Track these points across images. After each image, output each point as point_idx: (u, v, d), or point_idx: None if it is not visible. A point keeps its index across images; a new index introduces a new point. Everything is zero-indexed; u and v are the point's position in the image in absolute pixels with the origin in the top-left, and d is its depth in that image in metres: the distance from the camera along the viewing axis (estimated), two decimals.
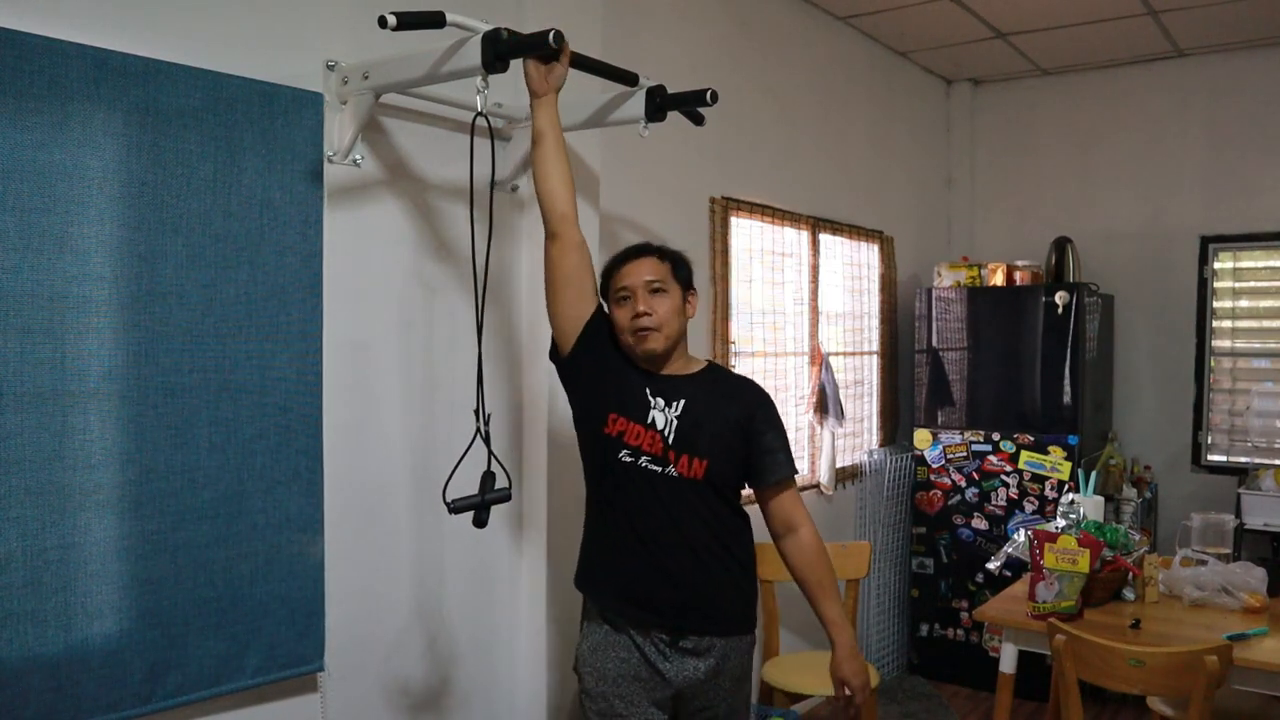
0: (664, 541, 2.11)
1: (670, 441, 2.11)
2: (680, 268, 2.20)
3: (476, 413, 2.07)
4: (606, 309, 2.19)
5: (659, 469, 2.11)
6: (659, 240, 2.26)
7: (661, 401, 2.14)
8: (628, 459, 2.12)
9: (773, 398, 2.29)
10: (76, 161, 1.82)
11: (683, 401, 2.14)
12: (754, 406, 2.20)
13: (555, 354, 2.21)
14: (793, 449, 2.27)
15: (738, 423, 2.16)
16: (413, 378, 2.49)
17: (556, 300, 2.15)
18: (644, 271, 2.15)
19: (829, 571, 2.21)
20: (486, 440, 2.06)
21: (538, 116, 2.11)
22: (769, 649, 3.58)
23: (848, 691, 2.20)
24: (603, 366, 2.16)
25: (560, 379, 2.24)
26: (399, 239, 2.47)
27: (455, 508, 2.03)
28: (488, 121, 2.05)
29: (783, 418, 2.28)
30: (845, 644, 2.20)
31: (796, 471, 2.24)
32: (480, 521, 2.06)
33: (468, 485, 2.07)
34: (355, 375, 2.36)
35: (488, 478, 2.06)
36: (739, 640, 2.22)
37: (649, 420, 2.12)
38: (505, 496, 2.09)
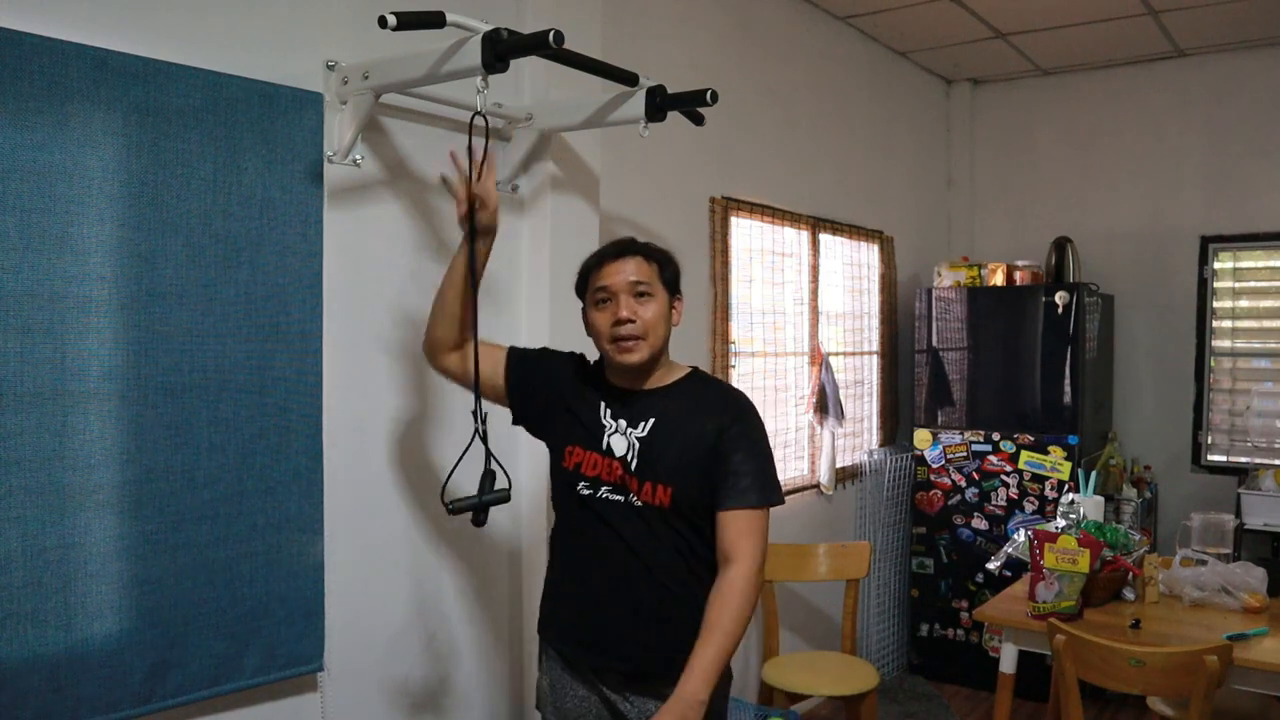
0: (629, 577, 1.93)
1: (633, 467, 1.93)
2: (667, 269, 1.99)
3: (474, 413, 2.04)
4: (584, 305, 2.02)
5: (621, 498, 1.94)
6: (652, 239, 2.13)
7: (624, 423, 1.96)
8: (586, 490, 1.97)
9: (759, 412, 2.03)
10: (76, 161, 1.82)
11: (651, 421, 1.95)
12: (729, 421, 1.93)
13: (513, 417, 2.15)
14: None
15: (710, 439, 1.91)
16: (413, 378, 2.49)
17: (477, 390, 2.05)
18: (629, 272, 1.94)
19: (731, 622, 1.83)
20: (484, 440, 2.02)
21: (460, 254, 2.06)
22: (769, 649, 3.58)
23: None
24: (550, 404, 2.05)
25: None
26: (399, 239, 2.47)
27: (454, 509, 2.00)
28: (485, 120, 2.04)
29: (771, 434, 2.05)
30: (682, 696, 1.78)
31: (766, 502, 1.91)
32: (479, 522, 2.04)
33: (467, 485, 2.07)
34: (355, 375, 2.36)
35: (487, 477, 2.03)
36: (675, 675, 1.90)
37: (604, 446, 1.96)
38: (504, 497, 2.03)
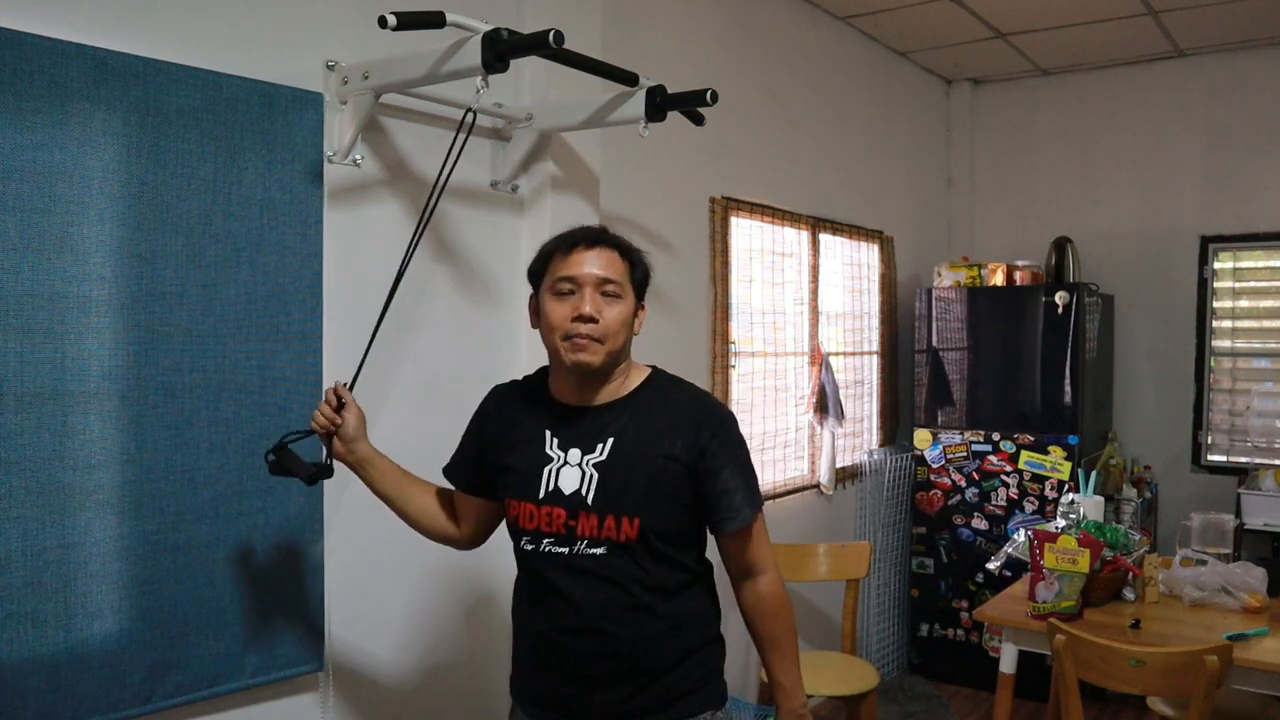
0: (585, 636, 1.71)
1: (589, 501, 1.69)
2: (639, 270, 1.78)
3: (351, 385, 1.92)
4: (538, 295, 1.78)
5: (566, 550, 1.71)
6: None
7: (576, 451, 1.72)
8: (529, 546, 1.75)
9: (733, 414, 1.85)
10: (76, 161, 1.82)
11: (610, 441, 1.71)
12: (706, 436, 1.72)
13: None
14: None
15: (684, 459, 1.71)
16: (412, 378, 2.49)
17: None
18: (601, 265, 1.71)
19: (788, 628, 1.81)
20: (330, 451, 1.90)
21: (370, 485, 1.92)
22: None
23: None
24: (487, 470, 1.85)
25: None
26: (399, 239, 2.46)
27: (276, 456, 1.87)
28: (474, 117, 2.02)
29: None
30: (790, 711, 1.81)
31: (759, 507, 1.79)
32: (275, 468, 1.87)
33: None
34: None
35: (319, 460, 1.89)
36: (706, 717, 1.78)
37: (544, 491, 1.72)
38: (308, 470, 1.87)
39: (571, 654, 1.73)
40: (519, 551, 1.80)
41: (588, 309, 1.68)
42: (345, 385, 1.91)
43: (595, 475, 1.70)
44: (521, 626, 1.85)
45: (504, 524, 1.87)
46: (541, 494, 1.73)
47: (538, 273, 1.78)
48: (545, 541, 1.73)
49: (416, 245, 2.00)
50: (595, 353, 1.69)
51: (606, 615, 1.71)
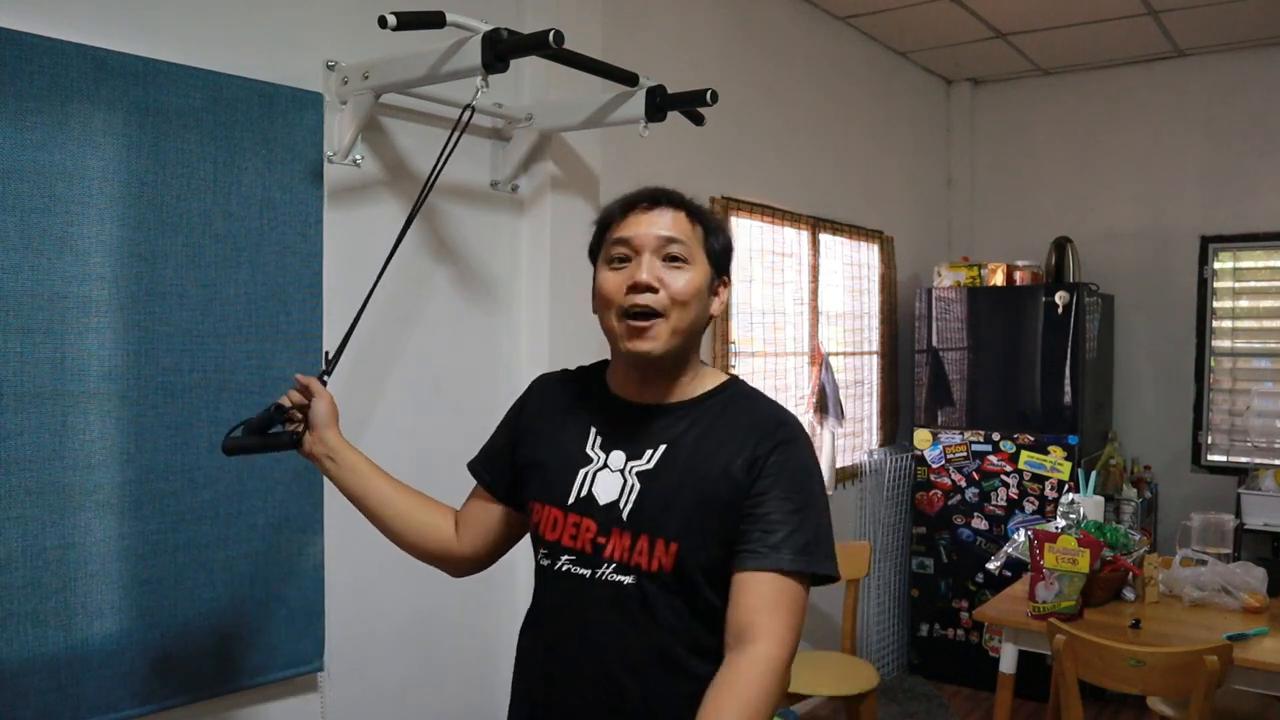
0: (590, 675, 1.40)
1: (624, 516, 1.38)
2: (716, 238, 1.46)
3: (326, 354, 1.73)
4: (595, 271, 1.48)
5: (587, 572, 1.40)
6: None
7: (620, 455, 1.43)
8: (545, 561, 1.46)
9: (811, 447, 1.46)
10: (76, 161, 1.82)
11: (661, 449, 1.41)
12: (767, 448, 1.38)
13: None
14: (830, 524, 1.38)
15: (740, 476, 1.37)
16: (412, 377, 2.49)
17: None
18: (661, 225, 1.41)
19: None
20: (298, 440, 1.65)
21: (337, 481, 1.61)
22: None
23: None
24: (524, 452, 1.54)
25: None
26: (394, 241, 2.46)
27: (240, 434, 1.64)
28: (471, 114, 2.02)
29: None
30: None
31: (808, 568, 1.34)
32: (231, 445, 1.64)
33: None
34: (355, 375, 2.36)
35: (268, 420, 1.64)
36: None
37: (572, 497, 1.43)
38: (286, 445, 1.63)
39: (581, 693, 1.42)
40: (535, 565, 1.50)
41: (644, 276, 1.37)
42: (319, 377, 1.68)
43: (637, 486, 1.40)
44: (521, 660, 1.54)
45: (515, 540, 1.65)
46: (571, 499, 1.43)
47: (595, 247, 1.49)
48: (564, 558, 1.42)
49: (403, 237, 1.97)
50: (656, 337, 1.38)
51: (624, 662, 1.38)
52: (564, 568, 1.43)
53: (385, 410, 2.44)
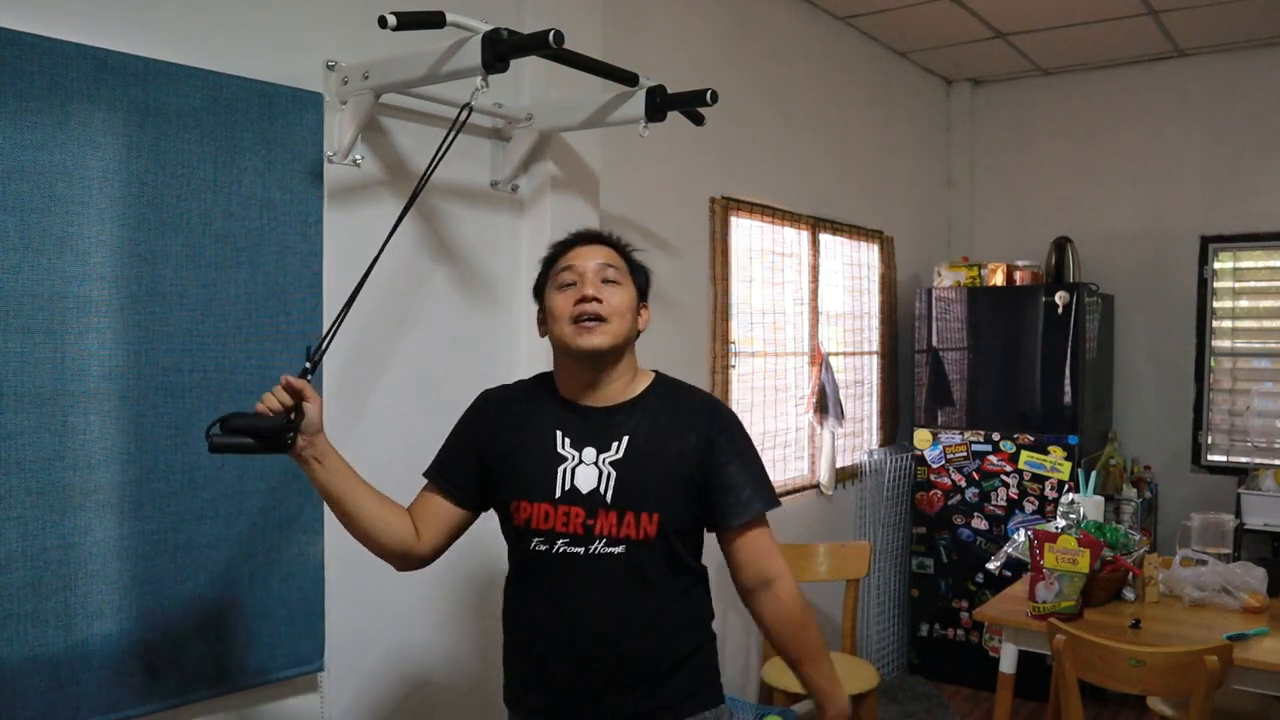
0: (595, 641, 1.69)
1: (608, 499, 1.68)
2: (639, 274, 1.82)
3: (307, 350, 1.71)
4: (542, 302, 1.80)
5: (581, 550, 1.68)
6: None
7: (591, 450, 1.71)
8: (542, 548, 1.70)
9: (739, 419, 1.85)
10: (76, 161, 1.82)
11: (625, 440, 1.71)
12: (714, 431, 1.75)
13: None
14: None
15: (694, 455, 1.72)
16: (412, 377, 2.49)
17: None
18: (597, 256, 1.76)
19: (816, 636, 1.82)
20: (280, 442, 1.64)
21: (320, 482, 1.68)
22: (769, 649, 3.58)
23: None
24: (483, 472, 1.78)
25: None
26: (399, 239, 2.46)
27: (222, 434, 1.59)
28: (469, 113, 2.01)
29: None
30: (838, 715, 1.83)
31: (772, 506, 1.78)
32: (217, 444, 1.58)
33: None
34: (355, 375, 2.36)
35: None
36: (709, 715, 1.79)
37: (558, 491, 1.69)
38: (282, 425, 1.60)
39: (583, 659, 1.69)
40: (525, 555, 1.73)
41: (590, 290, 1.71)
42: (302, 375, 1.65)
43: (613, 473, 1.69)
44: (523, 634, 1.77)
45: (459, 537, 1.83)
46: (558, 493, 1.69)
47: (541, 282, 1.82)
48: (560, 542, 1.69)
49: (395, 231, 1.94)
50: (603, 334, 1.70)
51: (622, 617, 1.69)
52: (560, 550, 1.69)
53: (384, 410, 2.44)
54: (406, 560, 1.79)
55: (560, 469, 1.71)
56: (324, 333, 1.78)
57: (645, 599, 1.70)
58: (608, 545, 1.68)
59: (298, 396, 1.61)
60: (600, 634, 1.69)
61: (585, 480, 1.70)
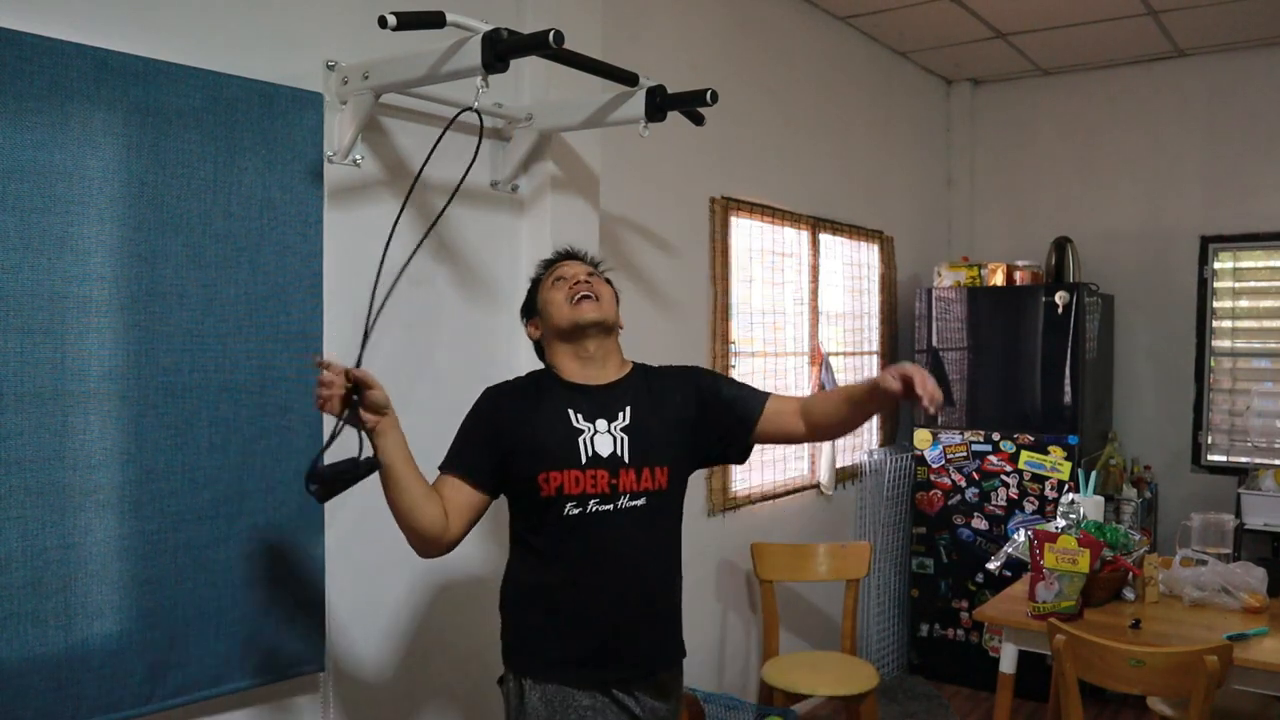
0: (628, 590, 1.91)
1: (625, 460, 1.90)
2: (609, 282, 2.06)
3: (367, 327, 1.86)
4: (534, 313, 2.05)
5: (611, 507, 1.89)
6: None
7: (602, 422, 1.92)
8: (575, 511, 1.88)
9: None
10: (76, 161, 1.82)
11: (628, 408, 1.95)
12: (696, 378, 2.06)
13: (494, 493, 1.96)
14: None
15: (688, 403, 2.01)
16: (413, 378, 2.49)
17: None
18: (582, 266, 2.05)
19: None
20: (356, 418, 1.78)
21: (385, 450, 1.79)
22: (769, 649, 3.58)
23: (901, 380, 1.77)
24: (504, 455, 1.91)
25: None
26: (399, 239, 2.46)
27: (317, 477, 1.76)
28: (480, 118, 2.03)
29: None
30: (883, 375, 1.82)
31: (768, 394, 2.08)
32: (320, 494, 1.78)
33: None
34: None
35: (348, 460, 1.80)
36: (680, 663, 2.05)
37: (583, 458, 1.89)
38: (368, 467, 1.79)
39: (620, 600, 1.90)
40: (561, 521, 1.88)
41: (582, 277, 1.98)
42: (357, 364, 1.79)
43: (625, 437, 1.92)
44: (558, 596, 1.91)
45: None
46: (583, 460, 1.89)
47: (531, 299, 2.08)
48: (592, 502, 1.88)
49: (396, 228, 1.97)
50: (597, 308, 1.95)
51: (647, 559, 1.94)
52: (593, 509, 1.89)
53: None
54: (436, 544, 1.88)
55: (580, 439, 1.91)
56: (369, 317, 1.87)
57: (661, 543, 1.98)
58: (631, 499, 1.91)
59: (363, 384, 1.76)
60: (632, 577, 1.92)
61: (604, 446, 1.91)
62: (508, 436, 1.92)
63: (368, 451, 1.82)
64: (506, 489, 1.97)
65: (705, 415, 2.01)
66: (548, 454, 1.89)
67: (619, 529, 1.90)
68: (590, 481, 1.89)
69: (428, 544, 1.88)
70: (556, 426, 1.91)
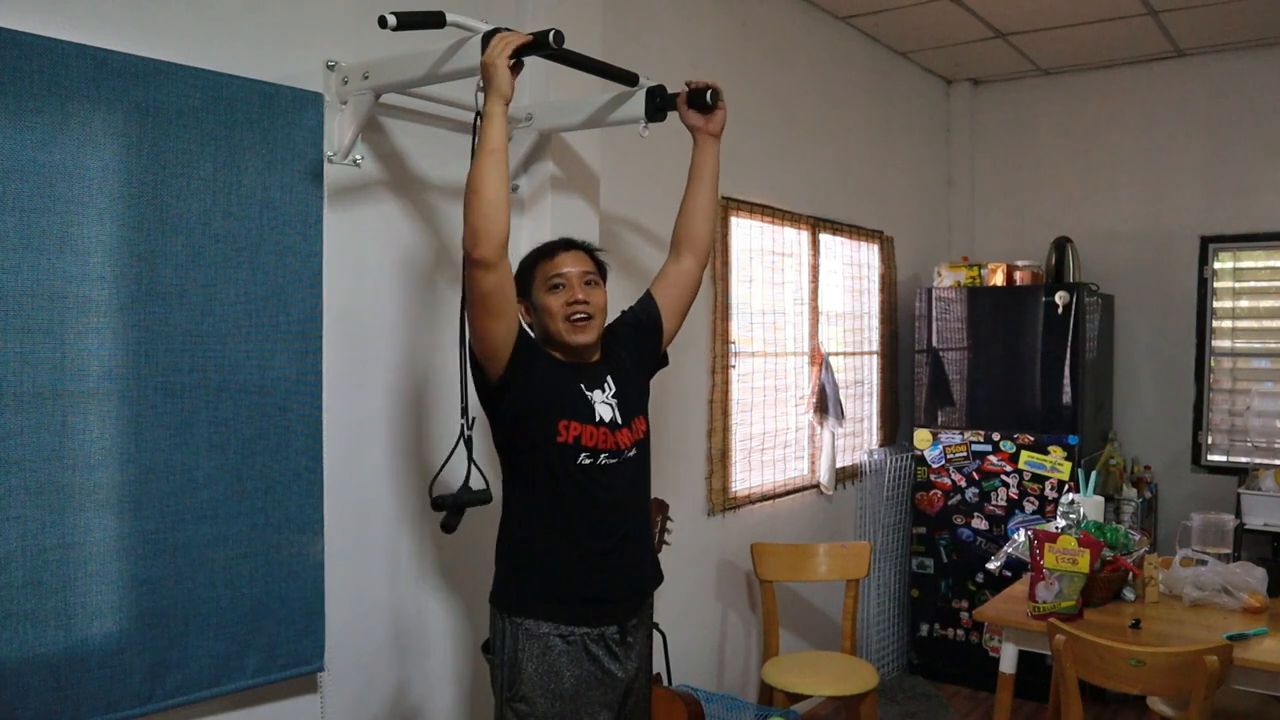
0: (627, 528, 2.15)
1: (620, 420, 2.15)
2: (603, 269, 2.23)
3: (462, 412, 2.10)
4: (529, 303, 2.16)
5: (615, 460, 2.13)
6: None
7: (599, 393, 2.15)
8: (587, 461, 2.09)
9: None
10: (76, 161, 1.82)
11: (610, 378, 2.18)
12: (629, 330, 2.28)
13: (482, 381, 2.08)
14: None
15: (635, 357, 2.26)
16: (413, 378, 2.49)
17: (489, 330, 1.99)
18: (580, 263, 2.15)
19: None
20: (469, 444, 2.09)
21: (494, 125, 1.92)
22: (769, 649, 3.58)
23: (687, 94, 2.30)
24: (538, 380, 2.09)
25: (485, 405, 2.11)
26: (399, 239, 2.47)
27: (438, 504, 2.07)
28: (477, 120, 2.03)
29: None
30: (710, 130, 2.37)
31: None
32: (449, 526, 2.07)
33: (455, 485, 2.11)
34: (355, 375, 2.36)
35: (466, 480, 2.09)
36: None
37: (597, 418, 2.12)
38: (484, 498, 2.10)
39: (625, 538, 2.14)
40: (573, 469, 2.07)
41: (580, 295, 2.11)
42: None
43: (615, 402, 2.16)
44: (571, 538, 2.09)
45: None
46: (595, 420, 2.11)
47: (525, 280, 2.15)
48: (603, 456, 2.10)
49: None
50: (591, 330, 2.13)
51: (641, 499, 2.21)
52: (603, 462, 2.11)
53: (385, 409, 2.44)
54: (499, 247, 1.92)
55: (589, 403, 2.12)
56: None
57: (646, 477, 2.25)
58: (629, 450, 2.16)
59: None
60: (631, 516, 2.17)
61: (604, 411, 2.13)
62: (545, 373, 2.10)
63: (478, 484, 2.08)
64: (519, 436, 2.09)
65: (643, 349, 2.28)
66: (567, 405, 2.08)
67: (621, 477, 2.14)
68: (602, 438, 2.10)
69: (492, 241, 1.90)
70: (572, 387, 2.12)
